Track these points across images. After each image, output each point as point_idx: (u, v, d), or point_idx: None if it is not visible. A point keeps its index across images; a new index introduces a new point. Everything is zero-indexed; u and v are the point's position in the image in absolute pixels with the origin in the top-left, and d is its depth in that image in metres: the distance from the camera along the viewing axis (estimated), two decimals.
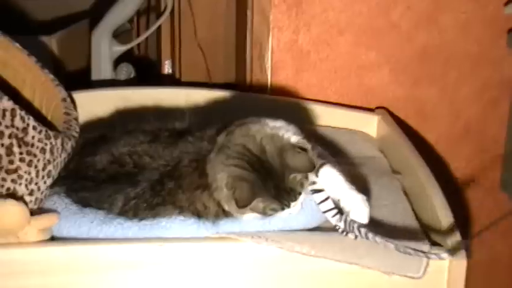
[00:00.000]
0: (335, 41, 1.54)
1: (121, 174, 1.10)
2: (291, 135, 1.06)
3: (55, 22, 1.92)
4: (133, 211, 1.07)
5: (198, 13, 1.67)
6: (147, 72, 1.84)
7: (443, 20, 1.57)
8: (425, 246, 1.04)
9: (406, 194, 1.25)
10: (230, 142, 1.05)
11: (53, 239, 1.06)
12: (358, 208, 1.07)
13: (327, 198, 1.07)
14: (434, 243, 1.07)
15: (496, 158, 1.67)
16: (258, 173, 1.03)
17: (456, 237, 1.05)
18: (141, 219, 1.06)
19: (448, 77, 1.62)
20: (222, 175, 1.03)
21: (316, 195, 1.08)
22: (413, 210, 1.19)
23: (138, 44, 2.05)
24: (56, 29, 1.83)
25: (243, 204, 1.01)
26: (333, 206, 1.07)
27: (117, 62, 1.73)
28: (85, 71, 1.76)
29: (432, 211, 1.11)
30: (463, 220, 1.70)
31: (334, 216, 1.06)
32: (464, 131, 1.66)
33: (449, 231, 1.06)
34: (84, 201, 1.10)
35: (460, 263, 1.03)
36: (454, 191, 1.71)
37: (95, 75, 1.70)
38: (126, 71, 1.72)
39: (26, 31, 1.78)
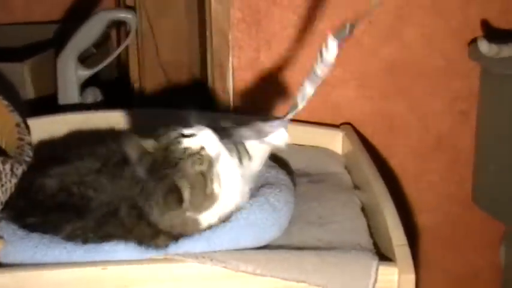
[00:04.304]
0: (297, 58, 1.54)
1: (68, 204, 1.10)
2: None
3: (27, 49, 1.92)
4: (82, 238, 1.06)
5: (161, 36, 1.67)
6: (118, 95, 1.84)
7: (408, 34, 1.56)
8: (373, 261, 1.02)
9: (363, 210, 1.24)
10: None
11: (1, 264, 1.06)
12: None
13: None
14: (384, 259, 1.05)
15: (467, 170, 1.65)
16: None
17: (406, 252, 1.04)
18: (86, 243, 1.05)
19: (416, 90, 1.61)
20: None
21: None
22: (369, 226, 1.18)
23: (118, 67, 2.06)
24: (27, 56, 1.84)
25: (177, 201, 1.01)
26: None
27: (85, 86, 1.74)
28: (54, 97, 1.76)
29: (384, 227, 1.10)
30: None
31: None
32: (435, 144, 1.65)
33: (399, 246, 1.05)
34: (32, 227, 1.09)
35: (409, 277, 1.01)
36: (428, 206, 1.69)
37: (61, 100, 1.70)
38: (93, 94, 1.73)
39: None
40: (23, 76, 1.79)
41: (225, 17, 1.47)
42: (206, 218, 1.06)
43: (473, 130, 1.62)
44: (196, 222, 1.06)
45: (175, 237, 1.05)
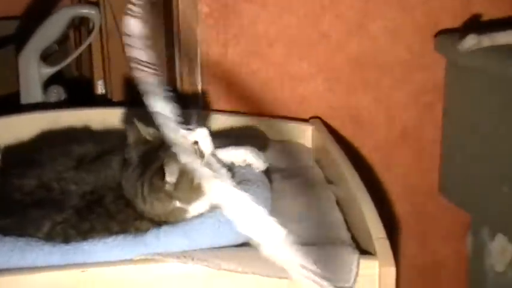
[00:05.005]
0: (265, 53, 1.53)
1: (47, 199, 1.08)
2: None
3: None
4: (62, 236, 1.05)
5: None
6: (80, 94, 1.81)
7: (373, 27, 1.58)
8: (354, 255, 1.03)
9: (338, 204, 1.24)
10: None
11: None
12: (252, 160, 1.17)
13: None
14: (364, 252, 1.06)
15: (433, 161, 1.67)
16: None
17: (385, 245, 1.05)
18: (67, 244, 1.03)
19: (381, 83, 1.62)
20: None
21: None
22: (345, 220, 1.19)
23: (77, 65, 2.02)
24: None
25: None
26: None
27: (48, 84, 1.70)
28: (16, 95, 1.72)
29: (362, 221, 1.11)
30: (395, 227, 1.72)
31: None
32: (401, 136, 1.67)
33: (379, 240, 1.05)
34: (5, 230, 1.06)
35: (389, 270, 1.02)
36: (395, 197, 1.71)
37: (24, 99, 1.66)
38: (56, 93, 1.69)
39: None
40: None
41: (192, 12, 1.46)
42: (195, 208, 1.07)
43: (438, 122, 1.64)
44: (183, 212, 1.07)
45: (159, 223, 1.06)
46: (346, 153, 1.39)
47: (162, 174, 1.04)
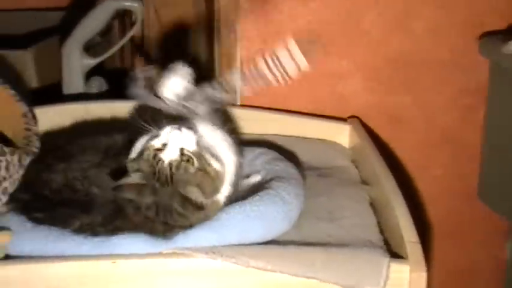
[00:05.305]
0: (305, 50, 1.52)
1: (74, 200, 1.09)
2: None
3: (30, 36, 1.90)
4: (91, 232, 1.06)
5: (167, 26, 1.65)
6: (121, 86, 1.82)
7: (415, 26, 1.55)
8: (384, 259, 1.02)
9: (373, 206, 1.23)
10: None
11: (8, 256, 1.05)
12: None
13: None
14: (395, 256, 1.05)
15: (473, 165, 1.64)
16: None
17: (417, 250, 1.03)
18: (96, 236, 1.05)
19: (422, 84, 1.60)
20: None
21: None
22: (379, 222, 1.17)
23: (120, 56, 2.03)
24: (31, 43, 1.82)
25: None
26: None
27: (90, 75, 1.72)
28: (60, 85, 1.74)
29: (395, 224, 1.09)
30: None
31: None
32: (441, 138, 1.64)
33: (411, 244, 1.04)
34: (39, 221, 1.08)
35: (420, 275, 1.01)
36: (432, 200, 1.69)
37: (66, 89, 1.68)
38: (98, 84, 1.71)
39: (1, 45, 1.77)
40: (27, 64, 1.77)
41: (233, 7, 1.46)
42: (222, 194, 1.08)
43: (479, 125, 1.61)
44: (216, 204, 1.07)
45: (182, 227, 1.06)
46: (383, 153, 1.38)
47: (189, 201, 1.04)
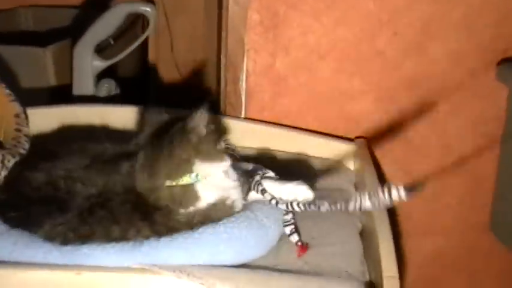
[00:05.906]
0: (315, 66, 1.48)
1: (53, 197, 1.07)
2: None
3: (50, 34, 1.90)
4: (61, 237, 1.03)
5: (177, 33, 1.63)
6: (135, 90, 1.82)
7: (433, 48, 1.49)
8: None
9: (363, 234, 1.18)
10: None
11: None
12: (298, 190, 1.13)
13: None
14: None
15: (489, 196, 1.57)
16: None
17: (394, 285, 0.98)
18: (65, 245, 1.02)
19: (438, 108, 1.53)
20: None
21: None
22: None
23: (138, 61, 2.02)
24: (51, 41, 1.82)
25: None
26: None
27: (101, 77, 1.71)
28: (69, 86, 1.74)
29: (377, 255, 1.04)
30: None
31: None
32: (456, 166, 1.57)
33: (389, 278, 0.99)
34: (12, 222, 1.06)
35: None
36: (444, 229, 1.62)
37: (76, 91, 1.68)
38: (107, 87, 1.70)
39: (19, 41, 1.77)
40: (45, 62, 1.77)
41: (241, 18, 1.42)
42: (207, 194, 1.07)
43: (496, 154, 1.54)
44: (196, 194, 1.06)
45: (159, 232, 1.04)
46: (393, 178, 1.31)
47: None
